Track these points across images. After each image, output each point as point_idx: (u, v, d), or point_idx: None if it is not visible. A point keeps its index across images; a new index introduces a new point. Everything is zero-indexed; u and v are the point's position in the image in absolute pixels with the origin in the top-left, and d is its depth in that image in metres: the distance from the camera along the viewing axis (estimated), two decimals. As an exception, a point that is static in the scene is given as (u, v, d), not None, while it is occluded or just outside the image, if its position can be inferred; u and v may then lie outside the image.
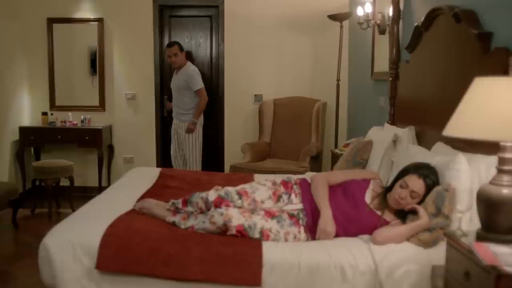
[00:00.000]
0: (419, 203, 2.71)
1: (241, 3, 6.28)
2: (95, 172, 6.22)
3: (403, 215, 2.77)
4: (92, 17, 6.29)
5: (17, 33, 6.10)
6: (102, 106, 6.38)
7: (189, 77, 5.63)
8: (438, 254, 2.42)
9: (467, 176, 2.64)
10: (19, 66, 6.15)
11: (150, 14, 6.30)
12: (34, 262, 2.75)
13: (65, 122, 6.14)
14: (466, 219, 2.57)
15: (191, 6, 6.43)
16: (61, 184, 5.74)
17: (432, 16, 3.55)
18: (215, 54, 6.45)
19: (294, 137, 6.01)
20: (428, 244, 2.56)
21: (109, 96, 6.41)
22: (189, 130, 5.67)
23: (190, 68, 5.73)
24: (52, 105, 6.39)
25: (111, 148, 6.46)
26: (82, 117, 6.20)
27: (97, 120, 6.32)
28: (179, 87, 5.69)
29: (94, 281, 2.58)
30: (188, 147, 5.72)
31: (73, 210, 4.50)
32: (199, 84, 5.66)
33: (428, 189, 2.71)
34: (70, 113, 6.20)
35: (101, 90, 6.37)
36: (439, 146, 3.19)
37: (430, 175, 2.74)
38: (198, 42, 6.47)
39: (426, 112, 3.65)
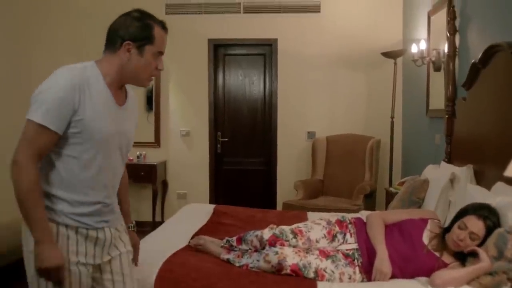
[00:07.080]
0: (479, 245, 2.63)
1: (295, 41, 6.36)
2: (149, 207, 6.32)
3: (462, 257, 2.69)
4: (149, 56, 6.49)
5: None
6: (157, 142, 6.52)
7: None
8: (502, 299, 2.32)
9: (531, 218, 2.56)
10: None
11: (205, 52, 6.47)
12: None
13: (122, 158, 6.26)
14: (531, 263, 2.47)
15: (245, 45, 6.55)
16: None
17: (490, 53, 3.50)
18: (268, 92, 6.53)
19: (347, 175, 5.96)
20: (490, 289, 2.47)
21: (164, 133, 6.55)
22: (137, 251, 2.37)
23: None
24: (110, 141, 6.56)
25: (165, 183, 6.57)
26: (138, 153, 6.35)
27: (152, 156, 6.45)
28: (130, 138, 2.16)
29: (150, 316, 2.60)
30: None
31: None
32: None
33: (489, 231, 2.62)
34: (127, 149, 6.35)
35: (156, 126, 6.52)
36: (499, 186, 3.09)
37: (490, 216, 2.65)
38: (252, 80, 6.57)
39: (485, 151, 3.56)
